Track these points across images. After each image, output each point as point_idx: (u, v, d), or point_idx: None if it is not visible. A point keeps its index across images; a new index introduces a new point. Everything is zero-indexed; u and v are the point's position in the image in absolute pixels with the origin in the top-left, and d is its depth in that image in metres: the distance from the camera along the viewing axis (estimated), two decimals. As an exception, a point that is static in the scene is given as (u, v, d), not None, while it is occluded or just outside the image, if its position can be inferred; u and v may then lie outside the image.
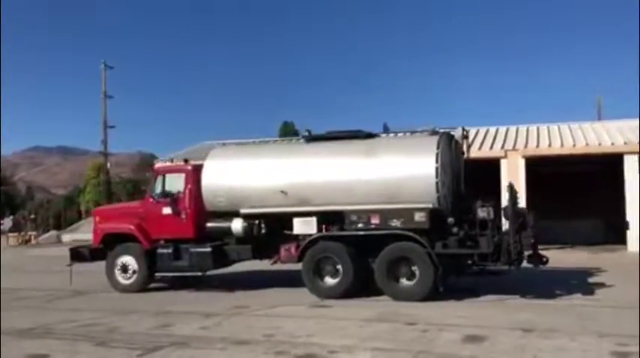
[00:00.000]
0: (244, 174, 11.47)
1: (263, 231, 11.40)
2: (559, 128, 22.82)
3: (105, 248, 12.51)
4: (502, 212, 10.49)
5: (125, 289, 12.08)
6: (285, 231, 11.50)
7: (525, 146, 21.04)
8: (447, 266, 10.26)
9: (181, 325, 8.72)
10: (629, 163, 19.22)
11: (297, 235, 11.15)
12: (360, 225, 10.61)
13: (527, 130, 23.09)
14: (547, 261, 10.58)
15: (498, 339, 7.33)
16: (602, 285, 11.52)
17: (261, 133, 55.96)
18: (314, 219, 10.97)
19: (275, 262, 11.66)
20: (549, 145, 20.88)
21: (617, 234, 20.22)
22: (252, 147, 12.66)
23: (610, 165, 20.01)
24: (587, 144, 20.23)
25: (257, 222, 11.38)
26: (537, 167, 20.11)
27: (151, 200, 12.40)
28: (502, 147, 21.08)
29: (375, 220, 10.52)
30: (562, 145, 20.59)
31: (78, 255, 12.77)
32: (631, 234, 19.21)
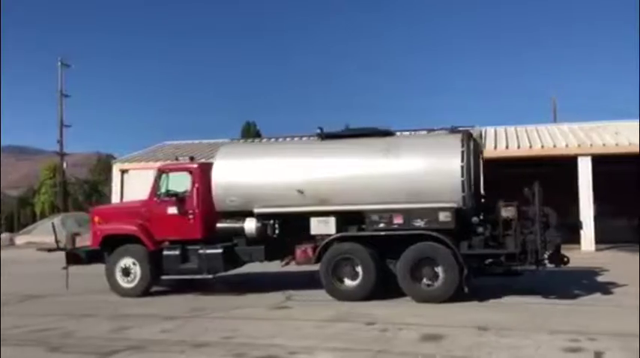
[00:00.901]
0: (259, 173, 11.12)
1: (277, 231, 11.04)
2: (516, 130, 23.38)
3: (103, 250, 11.91)
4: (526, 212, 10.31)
5: (127, 293, 11.47)
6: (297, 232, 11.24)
7: (484, 147, 21.46)
8: (471, 267, 10.08)
9: (139, 328, 8.55)
10: (583, 165, 19.83)
11: (313, 236, 10.83)
12: (381, 225, 10.34)
13: (485, 132, 23.57)
14: (568, 261, 10.44)
15: (456, 338, 7.44)
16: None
17: (223, 133, 55.41)
18: (332, 219, 10.64)
19: (287, 263, 11.38)
20: (507, 147, 21.35)
21: (572, 233, 20.74)
22: (265, 145, 12.19)
23: (567, 167, 20.56)
24: (542, 147, 20.77)
25: (272, 222, 10.99)
26: (498, 168, 20.54)
27: (155, 199, 11.82)
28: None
29: (397, 220, 10.26)
30: (519, 147, 21.08)
31: (74, 257, 12.07)
32: (584, 234, 19.78)
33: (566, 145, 20.64)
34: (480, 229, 10.23)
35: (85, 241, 13.11)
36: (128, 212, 12.35)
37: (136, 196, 23.74)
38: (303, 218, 10.87)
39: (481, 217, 10.45)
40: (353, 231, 10.65)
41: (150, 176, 23.94)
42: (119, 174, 25.08)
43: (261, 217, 10.96)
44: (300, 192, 10.66)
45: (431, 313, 9.19)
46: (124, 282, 11.60)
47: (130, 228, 11.77)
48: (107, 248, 11.87)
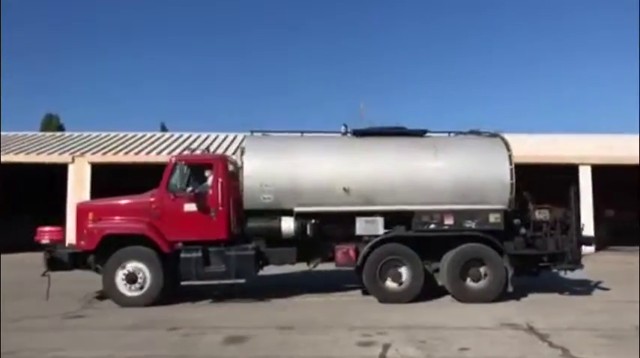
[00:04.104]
0: (300, 170, 10.42)
1: (314, 231, 10.36)
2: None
3: (94, 253, 10.17)
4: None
5: (132, 303, 9.89)
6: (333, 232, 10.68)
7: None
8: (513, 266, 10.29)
9: None
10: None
11: (353, 236, 10.44)
12: (432, 226, 10.27)
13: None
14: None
15: (259, 338, 7.52)
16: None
17: (19, 126, 49.96)
18: (380, 219, 10.34)
19: (315, 266, 10.83)
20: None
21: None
22: (299, 140, 11.03)
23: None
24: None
25: (313, 221, 10.32)
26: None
27: (168, 194, 10.32)
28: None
29: (448, 221, 10.26)
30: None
31: (56, 261, 10.16)
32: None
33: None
34: (523, 230, 10.59)
35: None
36: (133, 208, 10.53)
37: None
38: (343, 218, 10.48)
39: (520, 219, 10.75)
40: (400, 232, 10.44)
41: None
42: None
43: (300, 216, 10.29)
44: (346, 190, 10.28)
45: (237, 315, 9.22)
46: (127, 290, 10.03)
47: (139, 226, 10.18)
48: (100, 251, 10.17)
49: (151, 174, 20.75)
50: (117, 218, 10.48)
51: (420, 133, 11.24)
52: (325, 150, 10.89)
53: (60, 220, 22.04)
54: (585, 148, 23.73)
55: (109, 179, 21.34)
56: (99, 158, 22.33)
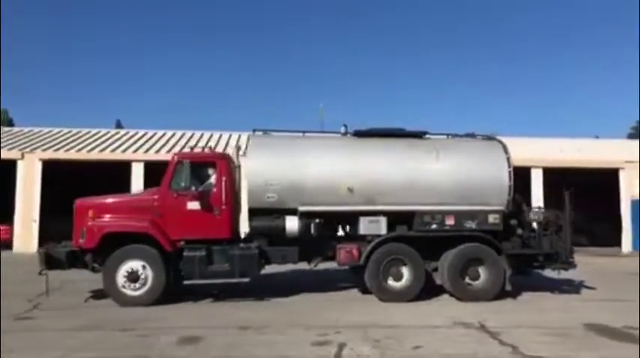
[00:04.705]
0: (304, 169, 10.38)
1: (318, 230, 10.33)
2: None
3: (93, 251, 9.89)
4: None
5: (133, 302, 9.66)
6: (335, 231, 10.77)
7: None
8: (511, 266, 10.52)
9: None
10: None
11: (355, 236, 10.55)
12: (433, 226, 10.41)
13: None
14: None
15: (214, 338, 7.36)
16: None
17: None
18: (383, 219, 10.40)
19: (316, 265, 10.80)
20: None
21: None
22: (303, 140, 10.90)
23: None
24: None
25: (317, 220, 10.32)
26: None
27: (171, 192, 10.07)
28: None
29: (449, 221, 10.43)
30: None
31: (53, 259, 9.83)
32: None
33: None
34: (520, 231, 10.86)
35: None
36: (136, 206, 10.30)
37: None
38: (346, 217, 10.59)
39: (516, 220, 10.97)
40: (403, 232, 10.52)
41: None
42: None
43: (304, 215, 10.23)
44: (350, 190, 10.29)
45: (192, 315, 9.05)
46: (129, 289, 9.79)
47: (142, 224, 9.91)
48: (100, 249, 9.90)
49: (105, 172, 20.51)
50: (118, 216, 10.19)
51: (420, 135, 11.35)
52: (329, 150, 10.91)
53: (8, 218, 21.44)
54: (537, 151, 24.47)
55: (61, 176, 20.81)
56: (50, 154, 21.66)
